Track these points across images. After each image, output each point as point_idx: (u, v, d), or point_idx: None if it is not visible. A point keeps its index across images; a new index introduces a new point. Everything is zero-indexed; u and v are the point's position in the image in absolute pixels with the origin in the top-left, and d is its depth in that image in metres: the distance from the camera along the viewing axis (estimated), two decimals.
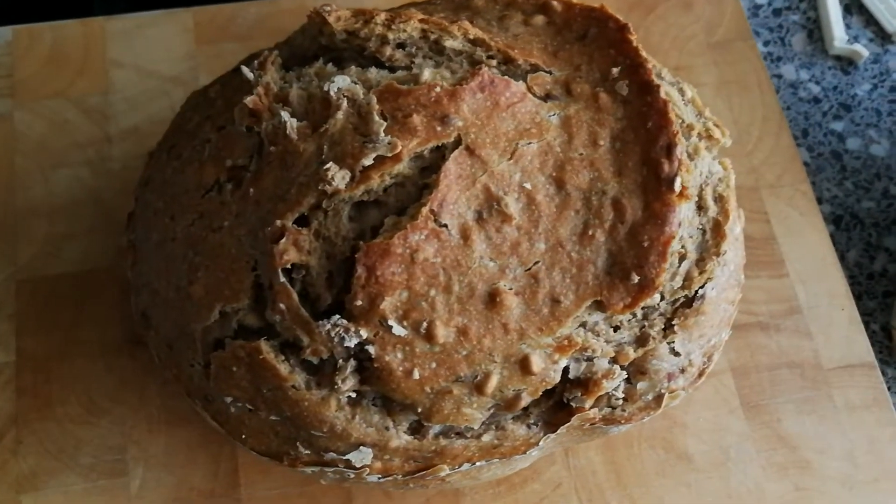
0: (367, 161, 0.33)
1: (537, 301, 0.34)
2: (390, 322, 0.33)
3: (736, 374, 0.49)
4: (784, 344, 0.50)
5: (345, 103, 0.34)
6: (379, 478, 0.36)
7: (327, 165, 0.33)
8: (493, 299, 0.34)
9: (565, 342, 0.34)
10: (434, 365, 0.34)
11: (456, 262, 0.33)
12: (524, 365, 0.34)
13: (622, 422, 0.37)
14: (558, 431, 0.36)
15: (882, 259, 0.59)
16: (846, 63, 0.65)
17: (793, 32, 0.66)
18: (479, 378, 0.34)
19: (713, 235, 0.37)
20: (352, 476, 0.36)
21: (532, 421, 0.37)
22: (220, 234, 0.35)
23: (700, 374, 0.38)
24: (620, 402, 0.37)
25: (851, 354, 0.50)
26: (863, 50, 0.64)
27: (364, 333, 0.33)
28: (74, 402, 0.46)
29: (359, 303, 0.33)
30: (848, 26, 0.66)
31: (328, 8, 0.37)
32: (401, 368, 0.34)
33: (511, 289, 0.34)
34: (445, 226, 0.33)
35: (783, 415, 0.48)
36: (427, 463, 0.36)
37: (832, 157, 0.62)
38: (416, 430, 0.36)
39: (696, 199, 0.37)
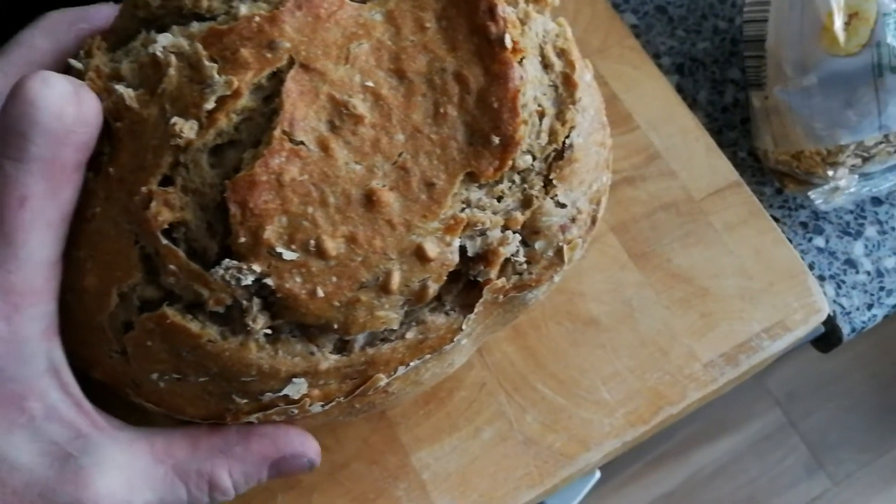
0: (209, 105, 0.33)
1: (413, 190, 0.35)
2: (279, 249, 0.33)
3: (616, 231, 0.50)
4: (653, 190, 0.51)
5: (173, 59, 0.34)
6: (322, 405, 0.36)
7: (173, 120, 0.33)
8: (370, 200, 0.34)
9: (452, 221, 0.35)
10: (335, 279, 0.34)
11: (323, 174, 0.34)
12: (420, 254, 0.35)
13: (533, 284, 0.38)
14: (476, 310, 0.37)
15: (731, 91, 0.61)
16: None
17: None
18: (381, 279, 0.34)
19: (565, 87, 0.38)
20: (296, 412, 0.36)
21: (448, 308, 0.37)
22: (95, 221, 0.35)
23: (593, 221, 0.39)
24: (525, 266, 0.37)
25: (717, 179, 0.52)
26: None
27: (257, 268, 0.33)
28: None
29: (242, 240, 0.33)
30: None
31: None
32: (304, 291, 0.34)
33: (384, 185, 0.34)
34: (302, 142, 0.34)
35: (671, 254, 0.50)
36: (362, 377, 0.36)
37: (657, 13, 0.64)
38: (342, 348, 0.36)
39: (540, 58, 0.38)
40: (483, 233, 0.36)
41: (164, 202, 0.33)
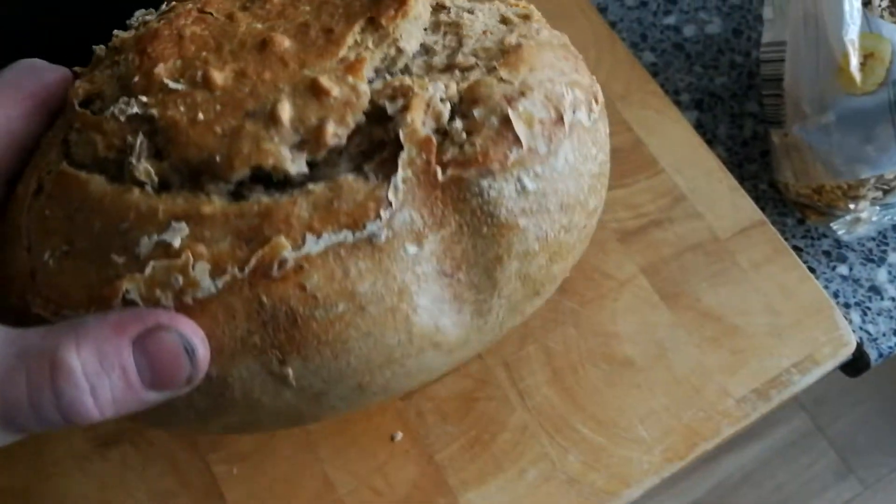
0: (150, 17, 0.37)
1: (310, 37, 0.35)
2: (166, 81, 0.34)
3: (647, 273, 0.52)
4: (680, 231, 0.53)
5: None
6: (213, 278, 0.32)
7: (116, 32, 0.37)
8: (264, 44, 0.34)
9: (353, 60, 0.34)
10: (219, 107, 0.33)
11: (223, 31, 0.35)
12: (315, 88, 0.33)
13: (481, 160, 0.33)
14: (402, 175, 0.33)
15: (750, 124, 0.63)
16: None
17: None
18: (269, 107, 0.33)
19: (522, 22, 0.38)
20: (181, 282, 0.32)
21: (366, 170, 0.33)
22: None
23: (559, 118, 0.35)
24: (464, 134, 0.34)
25: (741, 218, 0.54)
26: None
27: (145, 99, 0.34)
28: None
29: (136, 80, 0.34)
30: None
31: None
32: (185, 118, 0.33)
33: (282, 34, 0.35)
34: (210, 13, 0.36)
35: (700, 294, 0.52)
36: (258, 238, 0.32)
37: (675, 50, 0.66)
38: (232, 197, 0.33)
39: (500, 16, 0.38)
40: (405, 94, 0.34)
41: (88, 80, 0.36)
